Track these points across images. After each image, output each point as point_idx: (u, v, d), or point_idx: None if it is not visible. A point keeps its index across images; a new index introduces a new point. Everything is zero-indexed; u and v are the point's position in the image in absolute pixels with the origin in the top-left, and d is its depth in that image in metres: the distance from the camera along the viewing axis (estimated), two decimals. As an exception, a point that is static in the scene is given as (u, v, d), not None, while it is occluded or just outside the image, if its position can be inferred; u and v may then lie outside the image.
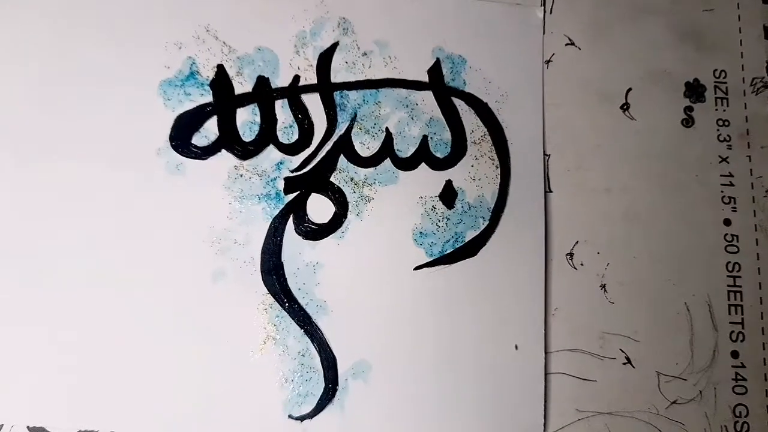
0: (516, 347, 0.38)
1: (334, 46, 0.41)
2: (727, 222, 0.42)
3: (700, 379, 0.40)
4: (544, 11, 0.44)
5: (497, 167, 0.41)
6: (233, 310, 0.37)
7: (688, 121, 0.44)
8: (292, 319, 0.37)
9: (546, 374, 0.39)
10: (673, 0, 0.45)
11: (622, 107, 0.43)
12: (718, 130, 0.44)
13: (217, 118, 0.39)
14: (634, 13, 0.45)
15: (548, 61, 0.43)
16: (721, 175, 0.43)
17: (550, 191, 0.41)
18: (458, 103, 0.41)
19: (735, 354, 0.40)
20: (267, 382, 0.36)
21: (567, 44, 0.44)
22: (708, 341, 0.41)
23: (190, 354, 0.36)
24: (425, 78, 0.41)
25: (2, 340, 0.35)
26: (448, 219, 0.39)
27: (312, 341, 0.37)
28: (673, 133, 0.43)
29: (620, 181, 0.42)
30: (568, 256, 0.41)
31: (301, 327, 0.37)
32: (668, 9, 0.45)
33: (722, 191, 0.43)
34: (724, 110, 0.44)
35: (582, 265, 0.41)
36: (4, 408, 0.34)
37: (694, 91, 0.44)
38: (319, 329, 0.37)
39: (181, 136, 0.38)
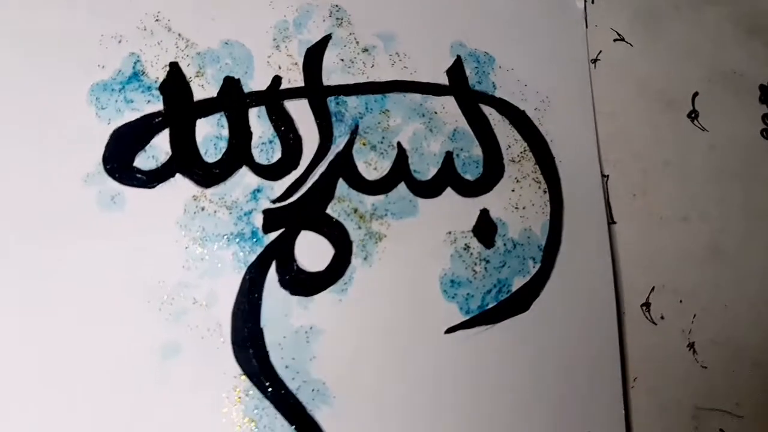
0: (590, 437, 0.28)
1: (326, 39, 0.32)
2: (833, 256, 0.33)
3: (825, 466, 0.30)
4: (585, 1, 0.35)
5: (545, 192, 0.32)
6: (192, 400, 0.26)
7: (768, 132, 0.35)
8: (278, 411, 0.26)
9: (632, 472, 0.28)
10: (735, -12, 0.38)
11: (689, 115, 0.35)
12: (806, 141, 0.35)
13: (169, 131, 0.29)
14: (691, 3, 0.37)
15: (595, 60, 0.35)
16: (818, 197, 0.34)
17: (613, 222, 0.32)
18: (488, 111, 0.33)
19: None
20: (243, 507, 0.25)
21: (615, 40, 0.36)
22: (830, 414, 0.31)
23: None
24: (444, 80, 0.33)
25: None
26: (488, 262, 0.30)
27: (308, 443, 0.26)
28: (752, 146, 0.36)
29: (698, 208, 0.33)
30: (644, 308, 0.31)
31: (291, 423, 0.26)
32: (730, -1, 0.37)
33: (821, 217, 0.34)
34: (811, 117, 0.36)
35: (662, 318, 0.32)
36: None
37: (771, 95, 0.36)
38: (317, 425, 0.26)
39: (120, 156, 0.29)
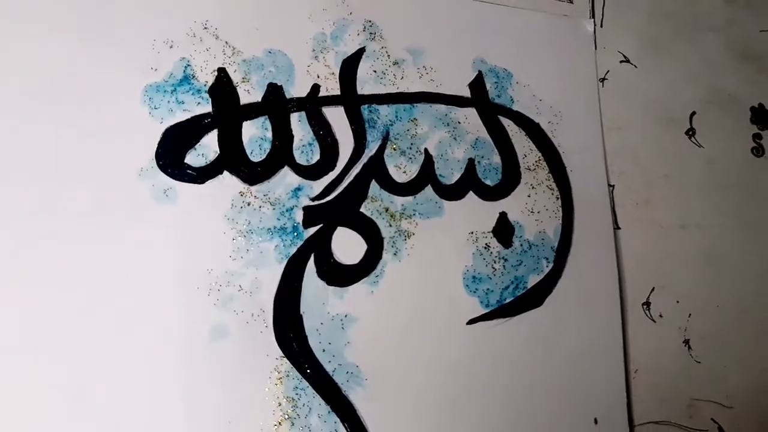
0: (596, 421, 0.31)
1: (360, 52, 0.34)
2: (816, 263, 0.37)
3: (805, 454, 0.33)
4: (594, 24, 0.38)
5: (558, 198, 0.34)
6: (238, 379, 0.28)
7: (758, 150, 0.39)
8: (316, 391, 0.28)
9: (633, 455, 0.31)
10: (729, 18, 0.41)
11: (687, 133, 0.38)
12: (792, 159, 0.38)
13: (217, 132, 0.31)
14: (691, 30, 0.40)
15: (603, 79, 0.38)
16: (802, 210, 0.37)
17: (618, 228, 0.35)
18: (506, 122, 0.35)
19: (842, 423, 0.34)
20: (284, 478, 0.27)
21: (622, 61, 0.39)
22: (812, 407, 0.34)
23: (181, 442, 0.26)
24: (466, 93, 0.35)
25: None
26: (506, 260, 0.32)
27: (342, 421, 0.28)
28: (744, 162, 0.39)
29: (694, 217, 0.36)
30: (645, 306, 0.34)
31: (328, 402, 0.28)
32: (725, 27, 0.41)
33: (806, 228, 0.37)
34: (797, 138, 0.39)
35: (661, 316, 0.34)
36: None
37: (761, 116, 0.39)
38: (351, 404, 0.28)
39: (172, 153, 0.30)
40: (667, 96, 0.39)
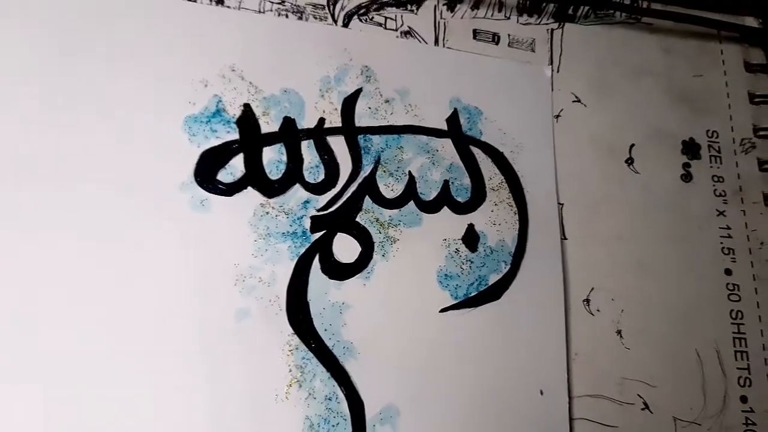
0: (541, 392, 0.38)
1: (358, 92, 0.42)
2: (728, 272, 0.44)
3: (713, 424, 0.41)
4: (552, 70, 0.46)
5: (515, 213, 0.42)
6: (257, 350, 0.35)
7: (687, 177, 0.46)
8: (319, 361, 0.36)
9: (570, 419, 0.38)
10: (667, 65, 0.49)
11: (626, 161, 0.46)
12: (713, 185, 0.46)
13: (243, 155, 0.38)
14: (634, 75, 0.48)
15: (557, 116, 0.45)
16: (720, 228, 0.45)
17: (565, 238, 0.42)
18: (476, 151, 0.43)
19: (744, 399, 0.41)
20: (293, 427, 0.35)
21: (574, 101, 0.46)
22: (718, 387, 0.42)
23: (212, 397, 0.34)
24: (444, 126, 0.43)
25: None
26: (472, 262, 0.40)
27: (339, 385, 0.36)
28: (673, 187, 0.46)
29: (629, 232, 0.44)
30: (585, 302, 0.41)
31: (328, 369, 0.36)
32: (663, 72, 0.49)
33: (722, 242, 0.45)
34: (718, 167, 0.47)
35: (598, 311, 0.41)
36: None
37: (690, 149, 0.47)
38: (346, 372, 0.36)
39: (206, 171, 0.37)
40: (611, 130, 0.46)
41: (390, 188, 0.40)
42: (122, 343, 0.34)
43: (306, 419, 0.35)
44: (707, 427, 0.40)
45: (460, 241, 0.40)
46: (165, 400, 0.33)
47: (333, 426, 0.35)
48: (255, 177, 0.38)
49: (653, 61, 0.49)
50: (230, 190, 0.38)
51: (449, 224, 0.40)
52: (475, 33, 0.46)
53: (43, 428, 0.32)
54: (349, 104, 0.41)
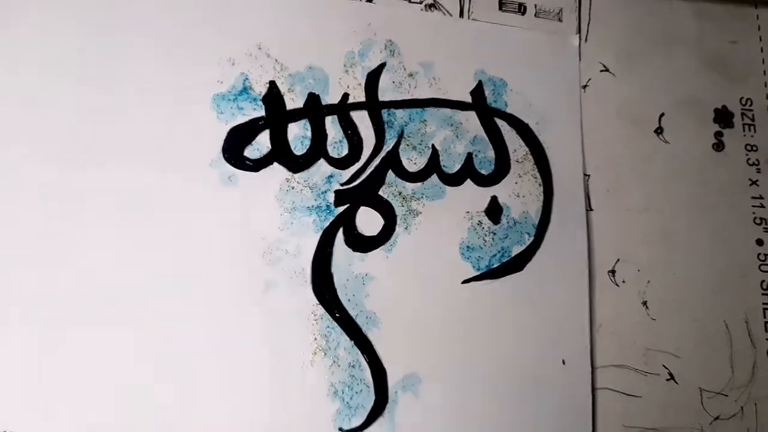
0: (563, 362, 0.39)
1: (382, 66, 0.42)
2: (759, 242, 0.43)
3: (741, 395, 0.40)
4: (580, 39, 0.46)
5: (540, 185, 0.42)
6: (284, 319, 0.37)
7: (719, 146, 0.45)
8: (343, 330, 0.37)
9: (593, 389, 0.39)
10: (700, 32, 0.48)
11: (656, 131, 0.45)
12: (747, 154, 0.45)
13: (269, 131, 0.39)
14: (664, 43, 0.47)
15: (585, 86, 0.45)
16: (752, 197, 0.44)
17: (591, 210, 0.42)
18: (501, 123, 0.43)
19: (774, 371, 0.41)
20: (317, 393, 0.36)
21: (602, 71, 0.46)
22: (747, 358, 0.41)
23: (241, 364, 0.36)
24: (468, 99, 0.43)
25: (47, 351, 0.34)
26: (494, 234, 0.40)
27: (362, 353, 0.37)
28: (704, 156, 0.45)
29: (657, 202, 0.43)
30: (610, 273, 0.41)
31: (351, 338, 0.37)
32: (696, 40, 0.47)
33: (754, 212, 0.44)
34: (752, 136, 0.46)
35: (624, 282, 0.41)
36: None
37: (723, 117, 0.46)
38: (369, 341, 0.37)
39: (234, 148, 0.39)
40: (640, 99, 0.45)
41: (413, 162, 0.41)
42: (158, 308, 0.36)
43: (330, 386, 0.36)
44: (734, 398, 0.40)
45: (483, 214, 0.41)
46: (197, 365, 0.35)
47: (357, 393, 0.36)
48: (280, 153, 0.39)
49: (685, 28, 0.48)
50: (257, 165, 0.39)
51: (472, 197, 0.41)
52: (501, 4, 0.46)
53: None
54: (372, 79, 0.42)
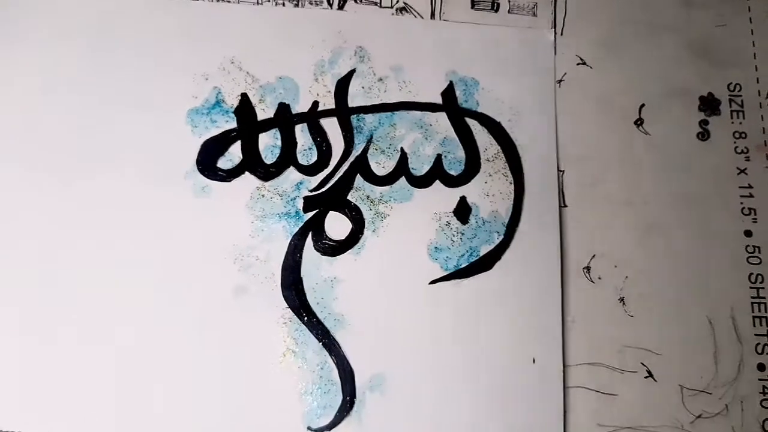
0: (533, 360, 0.39)
1: (351, 72, 0.43)
2: (748, 233, 0.42)
3: (725, 392, 0.39)
4: (555, 33, 0.45)
5: (511, 183, 0.42)
6: (254, 323, 0.38)
7: (704, 135, 0.44)
8: (311, 332, 0.38)
9: (565, 388, 0.38)
10: (687, 16, 0.46)
11: (636, 122, 0.44)
12: (735, 142, 0.44)
13: (240, 142, 0.41)
14: (648, 31, 0.46)
15: (560, 81, 0.44)
16: (740, 187, 0.43)
17: (565, 206, 0.42)
18: (471, 123, 0.43)
19: (761, 367, 0.40)
20: (286, 394, 0.37)
21: (578, 64, 0.45)
22: (733, 354, 0.40)
23: (213, 366, 0.37)
24: (439, 100, 0.43)
25: (19, 352, 0.37)
26: (463, 234, 0.40)
27: (330, 354, 0.38)
28: (688, 146, 0.44)
29: (637, 196, 0.42)
30: (585, 270, 0.41)
31: (320, 340, 0.38)
32: (682, 26, 0.46)
33: (742, 203, 0.42)
34: (740, 123, 0.44)
35: (600, 278, 0.41)
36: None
37: (709, 104, 0.44)
38: (336, 342, 0.38)
39: (207, 160, 0.41)
40: (619, 91, 0.44)
41: (381, 165, 0.42)
42: (133, 312, 0.38)
43: (299, 386, 0.37)
44: (718, 396, 0.39)
45: (452, 214, 0.41)
46: (170, 368, 0.37)
47: (325, 393, 0.37)
48: (251, 162, 0.41)
49: (670, 13, 0.46)
50: (229, 176, 0.41)
51: (441, 198, 0.41)
52: (473, 2, 0.46)
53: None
54: (342, 85, 0.43)
